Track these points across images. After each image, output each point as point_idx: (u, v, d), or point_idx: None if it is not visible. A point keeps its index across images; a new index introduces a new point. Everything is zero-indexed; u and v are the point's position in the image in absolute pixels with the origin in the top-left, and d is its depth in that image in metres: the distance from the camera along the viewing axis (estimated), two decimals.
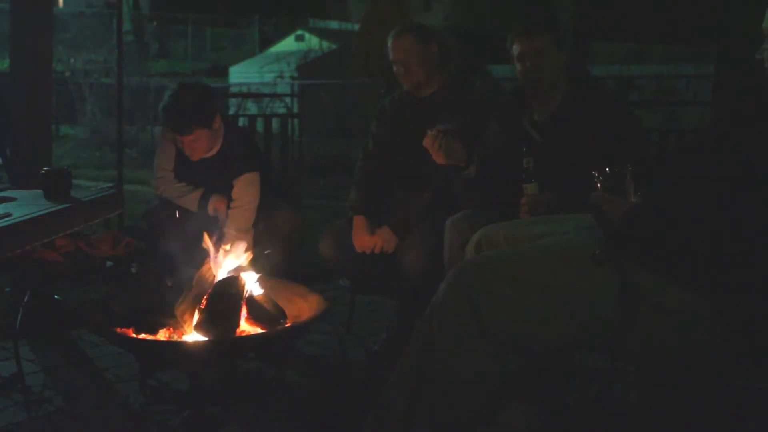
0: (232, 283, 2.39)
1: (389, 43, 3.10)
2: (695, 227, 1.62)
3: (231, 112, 9.60)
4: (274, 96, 11.24)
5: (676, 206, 1.67)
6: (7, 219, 2.36)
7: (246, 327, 2.41)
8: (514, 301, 1.67)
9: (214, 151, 3.23)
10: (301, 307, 2.51)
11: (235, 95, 13.38)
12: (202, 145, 3.16)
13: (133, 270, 3.14)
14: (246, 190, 3.20)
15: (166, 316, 2.39)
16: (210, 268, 2.46)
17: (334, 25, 20.59)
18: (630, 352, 1.75)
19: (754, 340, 1.61)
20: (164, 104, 3.12)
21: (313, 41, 16.66)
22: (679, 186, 1.74)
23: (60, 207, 2.68)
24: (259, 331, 2.39)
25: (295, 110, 10.30)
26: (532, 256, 1.78)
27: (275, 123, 5.20)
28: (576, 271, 1.69)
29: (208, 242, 2.49)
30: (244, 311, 2.42)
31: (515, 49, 2.70)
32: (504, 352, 1.68)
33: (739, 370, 1.67)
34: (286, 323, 2.43)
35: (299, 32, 18.06)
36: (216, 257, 2.47)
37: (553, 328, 1.69)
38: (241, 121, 5.19)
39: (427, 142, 2.64)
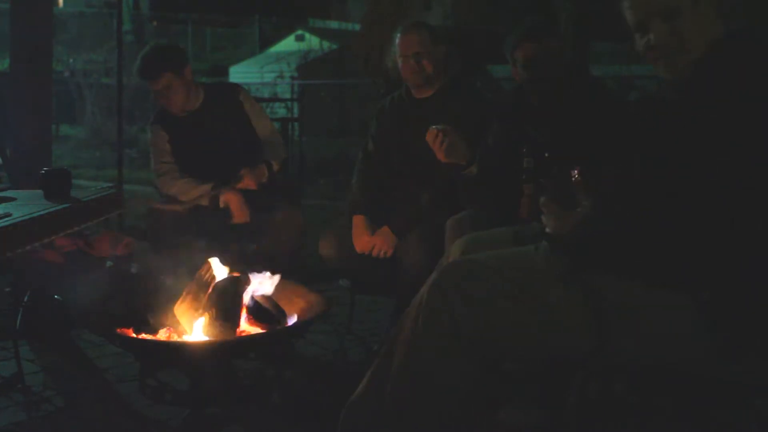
0: (233, 282, 2.39)
1: (398, 37, 3.07)
2: (653, 224, 1.59)
3: None
4: (275, 100, 11.25)
5: (629, 206, 1.63)
6: (7, 219, 2.36)
7: (246, 327, 2.41)
8: (487, 305, 1.65)
9: (197, 103, 3.30)
10: (301, 307, 2.51)
11: None
12: (177, 94, 3.22)
13: (133, 270, 3.14)
14: (250, 100, 3.41)
15: (166, 316, 2.39)
16: (210, 268, 2.46)
17: (334, 25, 20.61)
18: (615, 360, 1.74)
19: (734, 334, 1.59)
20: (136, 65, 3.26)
21: (313, 41, 16.69)
22: (628, 185, 1.69)
23: (60, 207, 2.67)
24: (259, 331, 2.39)
25: (296, 112, 10.31)
26: (508, 264, 1.76)
27: (275, 125, 5.21)
28: (548, 283, 1.67)
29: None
30: (244, 311, 2.42)
31: (520, 54, 2.65)
32: (478, 356, 1.67)
33: (723, 366, 1.66)
34: (286, 323, 2.43)
35: (299, 32, 18.08)
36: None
37: (524, 336, 1.67)
38: None
39: (429, 138, 2.64)
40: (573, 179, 1.74)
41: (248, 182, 3.18)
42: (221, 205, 3.16)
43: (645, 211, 1.60)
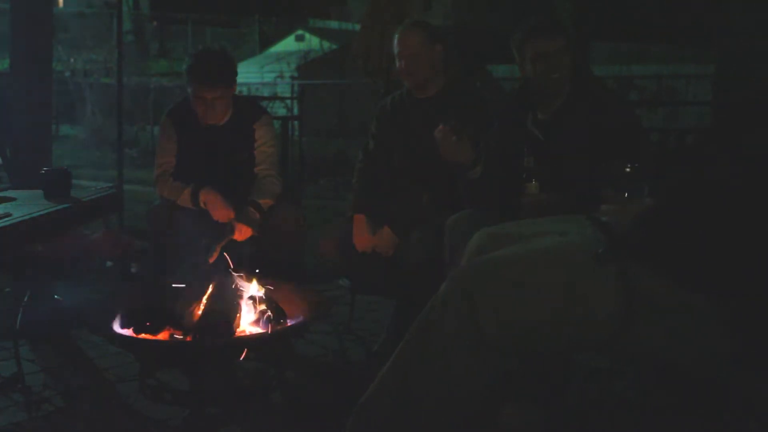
0: (232, 282, 2.39)
1: (396, 37, 3.07)
2: (710, 229, 1.60)
3: None
4: (275, 99, 11.25)
5: (692, 208, 1.65)
6: (7, 219, 2.36)
7: (246, 327, 2.41)
8: (517, 305, 1.66)
9: (225, 118, 3.24)
10: (301, 307, 2.51)
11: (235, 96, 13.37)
12: (221, 106, 3.16)
13: (133, 270, 3.14)
14: (265, 130, 3.28)
15: (167, 316, 2.39)
16: (210, 268, 2.46)
17: (334, 25, 20.60)
18: (630, 352, 1.75)
19: (759, 344, 1.60)
20: (190, 63, 3.13)
21: (313, 41, 16.68)
22: (693, 187, 1.71)
23: (60, 207, 2.68)
24: (259, 331, 2.39)
25: (296, 111, 10.30)
26: (533, 258, 1.76)
27: (275, 124, 5.19)
28: (578, 272, 1.67)
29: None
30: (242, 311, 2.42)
31: (529, 49, 2.64)
32: (499, 357, 1.67)
33: (742, 373, 1.66)
34: (286, 323, 2.43)
35: (299, 32, 18.06)
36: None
37: (554, 330, 1.68)
38: None
39: (439, 135, 2.63)
40: (627, 173, 1.77)
41: (242, 233, 3.02)
42: (201, 204, 3.11)
43: (709, 214, 1.61)
